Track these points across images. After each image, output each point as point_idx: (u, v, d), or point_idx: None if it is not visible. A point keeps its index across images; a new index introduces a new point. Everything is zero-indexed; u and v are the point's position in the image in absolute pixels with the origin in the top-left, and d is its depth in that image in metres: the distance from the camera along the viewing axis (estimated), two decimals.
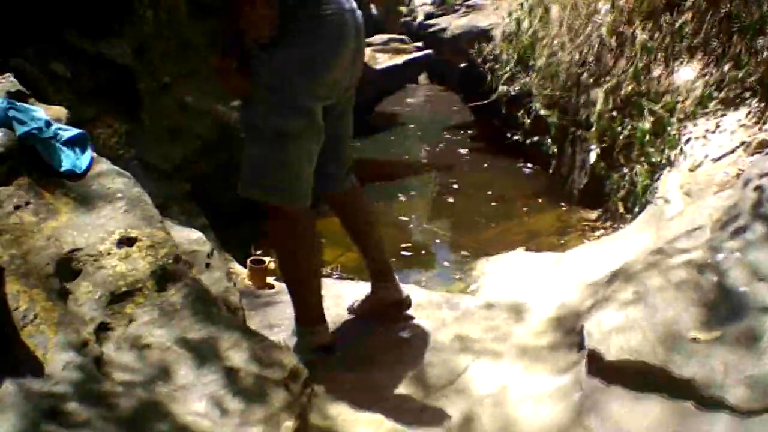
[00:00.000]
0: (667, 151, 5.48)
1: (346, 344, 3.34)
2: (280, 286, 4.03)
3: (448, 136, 8.41)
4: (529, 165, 7.38)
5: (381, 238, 3.55)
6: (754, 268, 2.75)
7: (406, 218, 6.36)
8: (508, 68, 7.08)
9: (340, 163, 3.21)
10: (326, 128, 2.94)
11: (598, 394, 2.67)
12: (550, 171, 7.02)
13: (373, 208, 3.49)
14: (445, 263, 5.78)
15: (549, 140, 6.84)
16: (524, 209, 6.54)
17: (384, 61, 8.16)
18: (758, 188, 3.22)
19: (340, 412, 2.92)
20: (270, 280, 4.27)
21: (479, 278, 5.39)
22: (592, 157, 5.95)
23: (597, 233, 6.03)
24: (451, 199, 6.83)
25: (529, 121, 6.82)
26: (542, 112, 6.56)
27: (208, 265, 3.07)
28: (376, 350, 3.35)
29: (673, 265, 2.96)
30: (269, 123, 2.81)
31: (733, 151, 4.84)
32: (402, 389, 3.08)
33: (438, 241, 6.08)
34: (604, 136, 5.95)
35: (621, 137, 5.78)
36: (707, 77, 5.42)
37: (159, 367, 2.21)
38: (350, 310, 3.57)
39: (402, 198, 6.73)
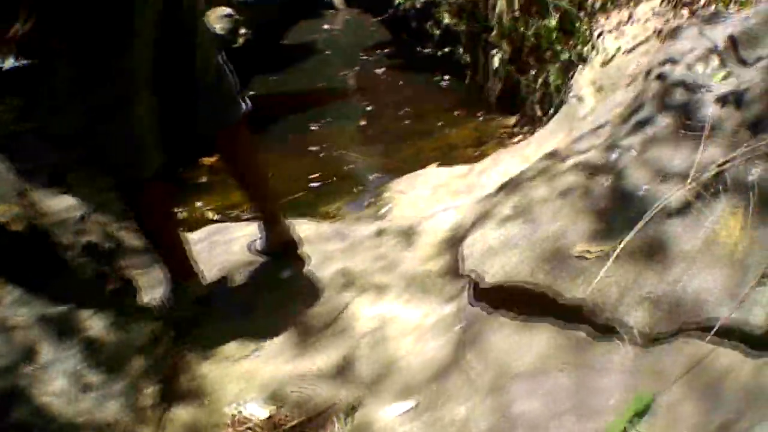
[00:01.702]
0: (578, 47, 4.99)
1: (225, 292, 2.96)
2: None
3: (364, 58, 7.81)
4: (446, 77, 6.82)
5: (268, 180, 3.13)
6: (655, 166, 2.25)
7: (316, 147, 5.81)
8: None
9: (208, 104, 2.66)
10: (174, 75, 2.50)
11: (479, 325, 2.18)
12: (466, 81, 6.50)
13: (257, 148, 3.01)
14: (356, 189, 5.26)
15: (461, 50, 6.31)
16: (440, 124, 6.01)
17: None
18: (660, 76, 2.74)
19: (212, 369, 2.53)
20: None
21: (391, 200, 4.92)
22: (496, 61, 5.42)
23: (515, 140, 5.56)
24: (364, 122, 6.29)
25: (438, 32, 6.27)
26: (449, 21, 5.99)
27: (78, 231, 2.80)
28: (257, 295, 2.92)
29: (563, 170, 2.47)
30: (90, 100, 2.35)
31: (646, 41, 4.36)
32: (280, 336, 2.66)
33: (349, 167, 5.55)
34: (509, 38, 5.42)
35: (528, 39, 5.26)
36: None
37: (23, 348, 2.12)
38: (249, 249, 3.17)
39: (314, 127, 6.16)
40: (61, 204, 2.87)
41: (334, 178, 5.37)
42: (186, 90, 2.57)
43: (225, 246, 3.28)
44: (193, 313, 2.78)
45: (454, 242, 2.89)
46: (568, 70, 5.00)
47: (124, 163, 2.47)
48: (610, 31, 4.84)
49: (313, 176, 5.37)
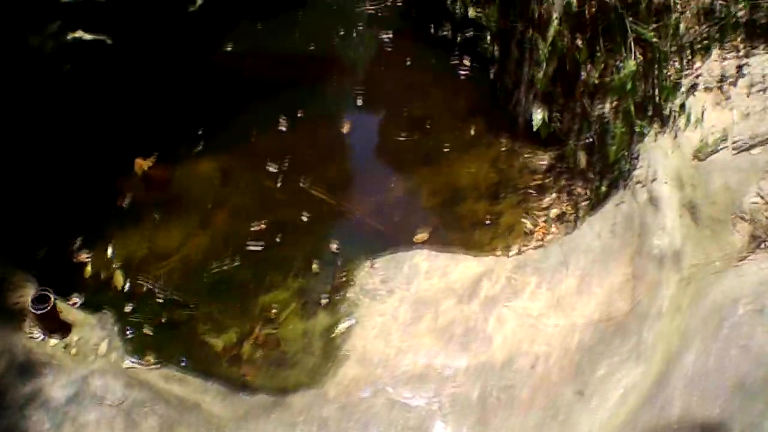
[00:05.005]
0: (657, 98, 3.18)
1: None
2: (82, 322, 2.92)
3: (372, 11, 5.76)
4: (466, 63, 4.89)
5: None
6: None
7: (275, 167, 4.04)
8: None
9: None
10: None
11: None
12: (491, 76, 4.62)
13: None
14: (314, 265, 3.53)
15: (488, 38, 4.42)
16: (447, 146, 4.20)
17: None
18: None
19: None
20: (73, 312, 3.15)
21: (355, 307, 3.26)
22: (537, 117, 3.56)
23: (543, 202, 3.83)
24: (346, 129, 4.44)
25: (460, 13, 4.39)
26: (472, 14, 4.10)
27: None
28: None
29: None
30: None
31: None
32: None
33: (310, 217, 3.77)
34: (561, 64, 3.55)
35: (587, 72, 3.40)
36: None
37: None
38: None
39: (282, 126, 4.34)
40: None
41: (281, 240, 3.63)
42: None
43: None
44: None
45: None
46: (636, 133, 3.21)
47: None
48: (708, 89, 3.04)
49: (257, 225, 3.66)
